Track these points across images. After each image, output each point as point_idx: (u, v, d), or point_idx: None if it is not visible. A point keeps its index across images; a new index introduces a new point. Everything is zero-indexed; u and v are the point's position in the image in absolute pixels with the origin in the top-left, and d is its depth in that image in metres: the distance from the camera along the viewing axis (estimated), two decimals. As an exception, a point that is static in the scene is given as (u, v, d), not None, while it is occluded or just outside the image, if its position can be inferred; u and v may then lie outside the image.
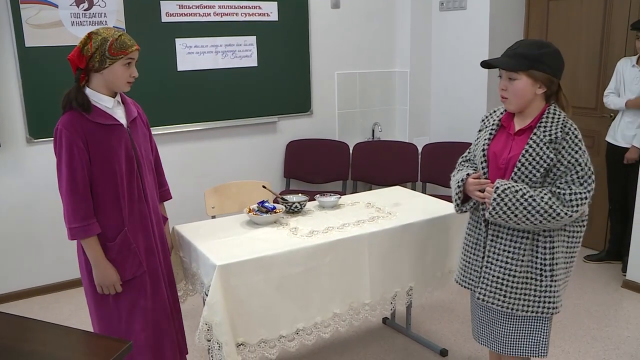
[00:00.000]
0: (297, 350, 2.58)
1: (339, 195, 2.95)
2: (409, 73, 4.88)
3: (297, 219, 2.69)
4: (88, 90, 2.11)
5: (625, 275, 3.82)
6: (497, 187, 1.98)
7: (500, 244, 2.08)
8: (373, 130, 4.93)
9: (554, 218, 1.94)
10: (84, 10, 3.64)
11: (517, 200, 1.95)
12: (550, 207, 1.93)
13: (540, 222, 1.95)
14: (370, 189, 3.84)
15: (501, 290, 2.07)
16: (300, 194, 2.93)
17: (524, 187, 1.97)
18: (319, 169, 4.60)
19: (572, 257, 2.10)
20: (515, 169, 2.00)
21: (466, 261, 2.25)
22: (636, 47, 3.75)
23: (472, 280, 2.21)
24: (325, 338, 2.50)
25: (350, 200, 3.01)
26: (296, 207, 2.76)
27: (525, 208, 1.94)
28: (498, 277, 2.08)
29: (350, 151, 4.64)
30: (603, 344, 3.10)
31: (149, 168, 2.31)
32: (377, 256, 2.53)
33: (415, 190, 3.58)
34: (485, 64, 2.07)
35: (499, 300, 2.08)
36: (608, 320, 3.36)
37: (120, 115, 2.18)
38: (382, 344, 3.15)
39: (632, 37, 3.92)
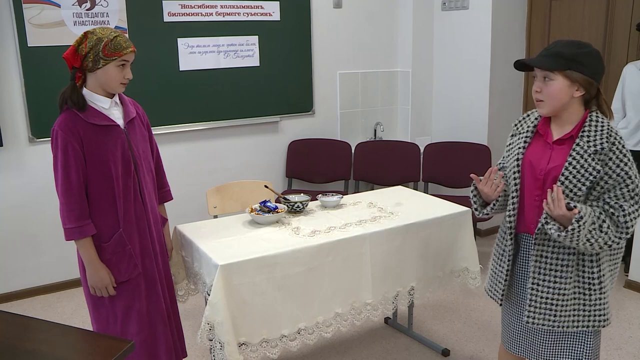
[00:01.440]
0: (298, 350, 2.58)
1: (341, 195, 2.95)
2: (411, 73, 4.88)
3: (299, 219, 2.69)
4: (85, 91, 2.11)
5: (627, 276, 3.82)
6: (580, 218, 1.79)
7: (546, 263, 1.96)
8: (375, 130, 4.92)
9: (609, 247, 1.87)
10: (86, 10, 3.65)
11: (589, 231, 1.82)
12: (610, 238, 1.84)
13: (599, 246, 1.85)
14: (372, 189, 3.84)
15: (551, 310, 1.97)
16: (302, 194, 2.93)
17: (600, 212, 1.85)
18: (320, 169, 4.60)
19: (615, 264, 2.02)
20: (559, 183, 1.87)
21: (495, 274, 2.17)
22: None
23: (498, 291, 2.13)
24: (327, 338, 2.50)
25: (352, 200, 3.01)
26: (298, 206, 2.76)
27: (593, 236, 1.82)
28: (547, 298, 1.97)
29: (352, 151, 4.63)
30: (605, 344, 3.09)
31: (148, 169, 2.30)
32: (379, 256, 2.53)
33: (417, 190, 3.58)
34: (519, 64, 1.96)
35: (549, 320, 1.98)
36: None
37: (117, 115, 2.18)
38: (383, 344, 3.15)
39: (635, 38, 3.91)
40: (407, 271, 2.64)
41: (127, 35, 3.74)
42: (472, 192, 2.15)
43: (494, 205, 2.09)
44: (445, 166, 4.49)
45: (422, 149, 4.55)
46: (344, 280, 2.45)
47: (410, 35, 4.81)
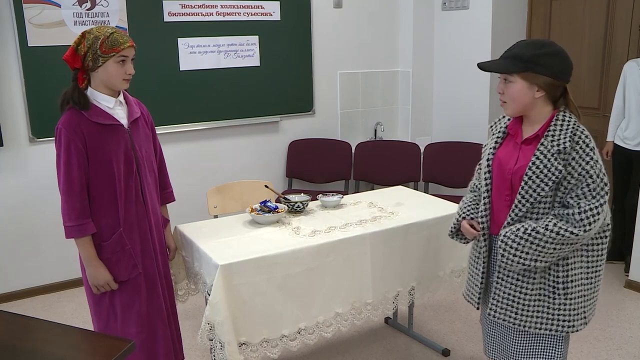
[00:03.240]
0: (299, 350, 2.58)
1: (341, 195, 2.95)
2: (411, 73, 4.88)
3: (299, 219, 2.69)
4: (89, 90, 2.11)
5: (627, 276, 3.81)
6: (498, 235, 1.94)
7: None
8: (375, 130, 4.92)
9: (568, 242, 1.84)
10: (87, 9, 3.65)
11: (522, 237, 1.86)
12: (558, 232, 1.83)
13: (557, 249, 1.85)
14: (373, 189, 3.83)
15: (512, 307, 1.98)
16: (302, 194, 2.93)
17: (525, 223, 1.89)
18: (321, 169, 4.60)
19: (596, 272, 1.97)
20: (523, 183, 1.88)
21: (472, 277, 2.18)
22: None
23: (474, 294, 2.15)
24: (327, 338, 2.50)
25: (353, 200, 3.01)
26: (298, 206, 2.76)
27: (532, 242, 1.85)
28: (509, 294, 1.98)
29: (353, 151, 4.63)
30: (606, 344, 3.09)
31: (150, 169, 2.29)
32: (379, 256, 2.53)
33: (417, 190, 3.58)
34: (480, 67, 1.98)
35: (510, 317, 1.99)
36: (611, 320, 3.35)
37: (121, 115, 2.18)
38: (384, 344, 3.15)
39: (635, 37, 3.91)
40: (407, 271, 2.65)
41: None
42: (457, 220, 2.19)
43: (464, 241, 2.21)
44: (446, 166, 4.49)
45: (422, 149, 4.55)
46: (344, 280, 2.45)
47: (411, 35, 4.81)
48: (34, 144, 3.67)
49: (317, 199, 2.92)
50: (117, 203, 2.14)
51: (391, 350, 3.08)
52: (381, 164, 4.58)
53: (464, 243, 2.22)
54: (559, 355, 2.03)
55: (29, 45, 3.51)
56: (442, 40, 4.85)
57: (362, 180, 4.65)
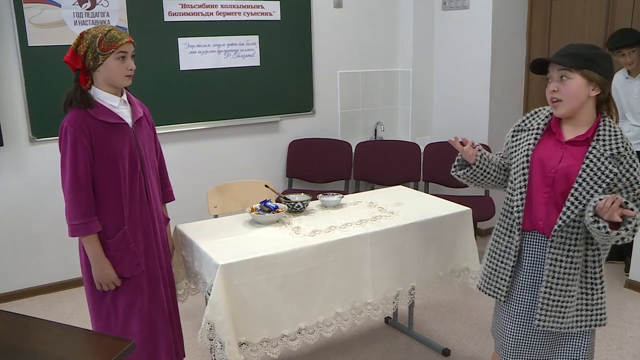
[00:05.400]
0: (299, 350, 2.58)
1: (342, 195, 2.95)
2: (411, 72, 4.87)
3: (299, 219, 2.69)
4: (93, 90, 2.12)
5: (628, 276, 3.81)
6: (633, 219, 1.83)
7: (560, 267, 1.96)
8: (375, 130, 4.92)
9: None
10: (87, 9, 3.65)
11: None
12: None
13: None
14: (373, 189, 3.83)
15: (560, 312, 1.99)
16: (302, 194, 2.93)
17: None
18: (321, 169, 4.59)
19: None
20: (576, 185, 1.89)
21: (495, 270, 2.14)
22: (621, 62, 3.75)
23: (501, 288, 2.12)
24: (327, 337, 2.50)
25: (353, 200, 3.01)
26: (298, 206, 2.76)
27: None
28: (558, 301, 1.98)
29: (353, 151, 4.63)
30: (606, 344, 3.09)
31: (153, 168, 2.31)
32: (379, 255, 2.53)
33: (417, 189, 3.58)
34: (536, 63, 1.98)
35: (557, 322, 2.00)
36: (611, 320, 3.34)
37: (125, 114, 2.19)
38: (384, 344, 3.15)
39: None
40: (407, 271, 2.64)
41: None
42: (459, 155, 2.23)
43: (471, 169, 2.18)
44: (446, 166, 4.44)
45: (422, 149, 4.55)
46: (345, 279, 2.45)
47: (411, 34, 4.81)
48: (34, 144, 3.67)
49: (317, 199, 2.92)
50: (121, 201, 2.15)
51: (391, 350, 3.08)
52: (381, 164, 4.58)
53: (460, 173, 2.22)
54: (590, 349, 2.08)
55: (29, 45, 3.51)
56: (442, 40, 4.85)
57: (362, 180, 4.65)
